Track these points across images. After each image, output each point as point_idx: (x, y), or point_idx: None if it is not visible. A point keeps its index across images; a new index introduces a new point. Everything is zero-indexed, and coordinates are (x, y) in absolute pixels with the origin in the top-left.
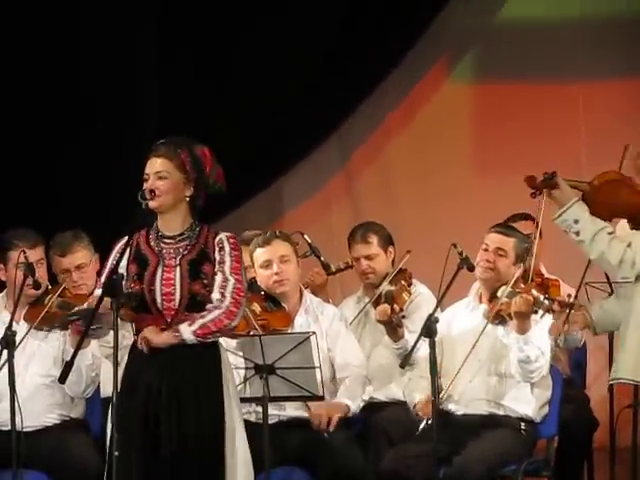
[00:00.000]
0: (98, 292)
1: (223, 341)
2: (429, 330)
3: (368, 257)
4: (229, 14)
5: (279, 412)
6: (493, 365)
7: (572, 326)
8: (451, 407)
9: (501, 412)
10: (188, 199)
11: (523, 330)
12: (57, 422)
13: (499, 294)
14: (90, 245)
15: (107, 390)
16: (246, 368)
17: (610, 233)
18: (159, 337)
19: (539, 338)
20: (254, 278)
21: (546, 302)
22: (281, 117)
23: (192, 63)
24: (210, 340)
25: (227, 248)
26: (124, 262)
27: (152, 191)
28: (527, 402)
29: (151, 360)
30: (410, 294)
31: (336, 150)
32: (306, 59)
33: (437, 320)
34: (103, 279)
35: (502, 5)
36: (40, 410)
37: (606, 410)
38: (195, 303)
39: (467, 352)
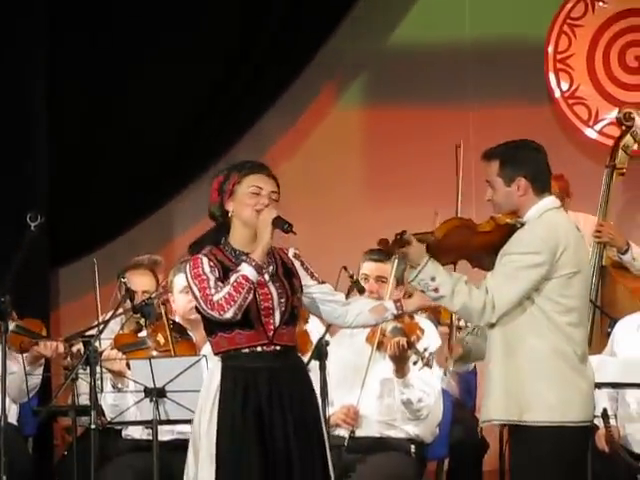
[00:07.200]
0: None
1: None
2: (319, 353)
3: None
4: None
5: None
6: (381, 387)
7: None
8: (341, 431)
9: (392, 433)
10: None
11: (401, 374)
12: None
13: (383, 324)
14: None
15: None
16: (136, 391)
17: (466, 282)
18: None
19: (421, 379)
20: (159, 307)
21: (426, 354)
22: (170, 146)
23: (84, 95)
24: None
25: (303, 259)
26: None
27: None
28: (418, 421)
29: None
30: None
31: None
32: (194, 89)
33: (327, 343)
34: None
35: (392, 30)
36: None
37: (495, 433)
38: (293, 317)
39: (350, 376)
